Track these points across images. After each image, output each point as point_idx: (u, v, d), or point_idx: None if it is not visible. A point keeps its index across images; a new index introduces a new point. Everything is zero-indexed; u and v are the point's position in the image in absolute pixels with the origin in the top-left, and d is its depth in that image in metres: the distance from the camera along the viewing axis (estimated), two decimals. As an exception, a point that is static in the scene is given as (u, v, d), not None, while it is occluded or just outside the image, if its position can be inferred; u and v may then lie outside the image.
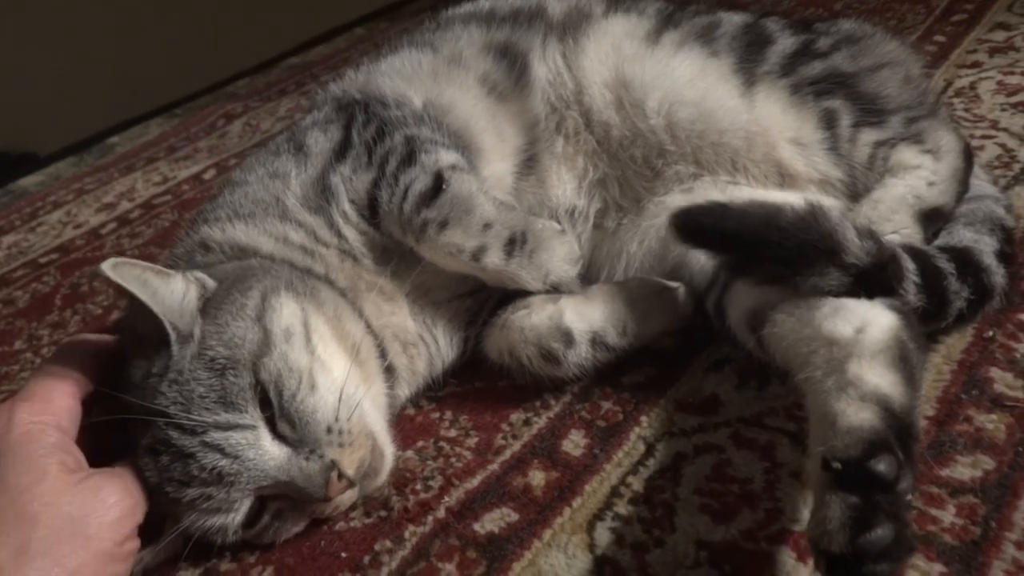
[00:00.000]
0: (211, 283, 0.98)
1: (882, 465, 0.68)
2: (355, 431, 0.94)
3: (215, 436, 0.88)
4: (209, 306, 0.96)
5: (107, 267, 0.89)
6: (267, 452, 0.90)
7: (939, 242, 1.02)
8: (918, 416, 0.79)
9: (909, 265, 0.91)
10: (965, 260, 0.96)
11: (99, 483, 0.87)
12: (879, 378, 0.78)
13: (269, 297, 0.97)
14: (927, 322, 0.91)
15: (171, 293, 0.94)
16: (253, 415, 0.90)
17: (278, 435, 0.91)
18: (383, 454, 0.99)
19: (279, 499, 0.94)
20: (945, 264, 0.94)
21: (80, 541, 0.82)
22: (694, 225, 0.90)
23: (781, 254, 0.88)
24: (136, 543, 0.90)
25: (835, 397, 0.78)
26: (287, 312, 0.96)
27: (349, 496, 0.96)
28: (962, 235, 1.02)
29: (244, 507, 0.91)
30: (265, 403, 0.91)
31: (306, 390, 0.92)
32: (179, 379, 0.89)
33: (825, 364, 0.83)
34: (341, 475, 0.92)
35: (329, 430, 0.92)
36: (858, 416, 0.74)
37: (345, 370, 0.97)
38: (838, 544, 0.65)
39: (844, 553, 0.65)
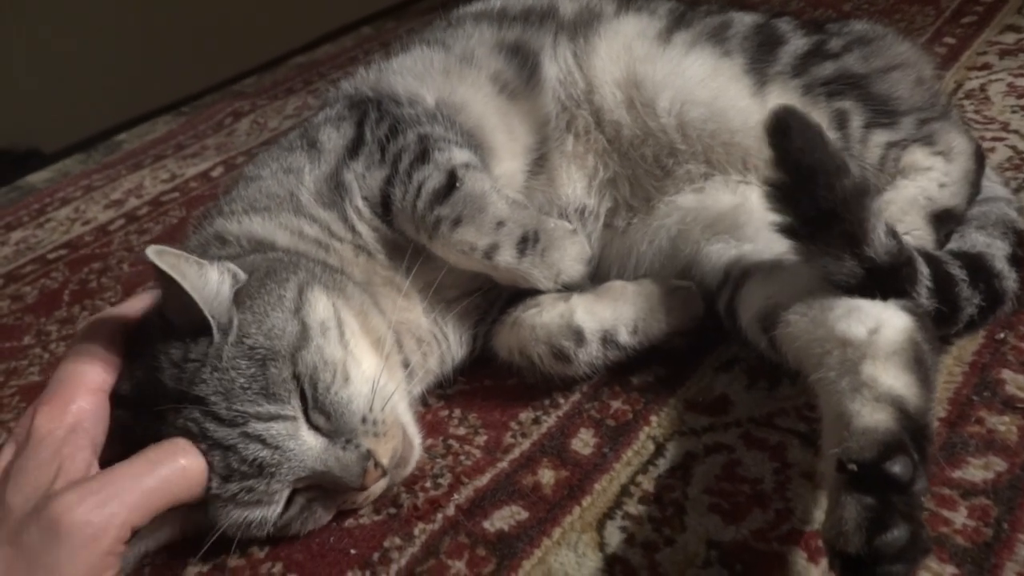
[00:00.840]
0: (242, 274, 0.98)
1: (897, 467, 0.68)
2: (388, 421, 0.95)
3: (256, 427, 0.88)
4: (242, 296, 0.96)
5: (152, 253, 0.89)
6: (306, 442, 0.90)
7: (951, 246, 1.02)
8: (932, 418, 0.79)
9: (924, 269, 0.90)
10: (977, 266, 0.96)
11: (61, 508, 0.79)
12: (894, 379, 0.78)
13: (305, 291, 0.98)
14: (937, 327, 0.90)
15: (207, 283, 0.94)
16: (294, 406, 0.90)
17: (312, 426, 0.92)
18: (412, 444, 1.00)
19: (309, 490, 0.94)
20: (957, 271, 0.94)
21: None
22: (783, 127, 0.86)
23: (811, 207, 0.86)
24: (112, 570, 0.81)
25: (849, 398, 0.78)
26: (321, 306, 0.97)
27: (381, 485, 0.96)
28: (975, 239, 1.01)
29: (283, 498, 0.92)
30: (300, 394, 0.91)
31: (340, 382, 0.93)
32: (219, 366, 0.89)
33: (839, 365, 0.82)
34: (376, 464, 0.92)
35: (364, 420, 0.93)
36: (873, 417, 0.74)
37: (374, 363, 0.98)
38: (854, 545, 0.65)
39: (860, 554, 0.65)
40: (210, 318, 0.91)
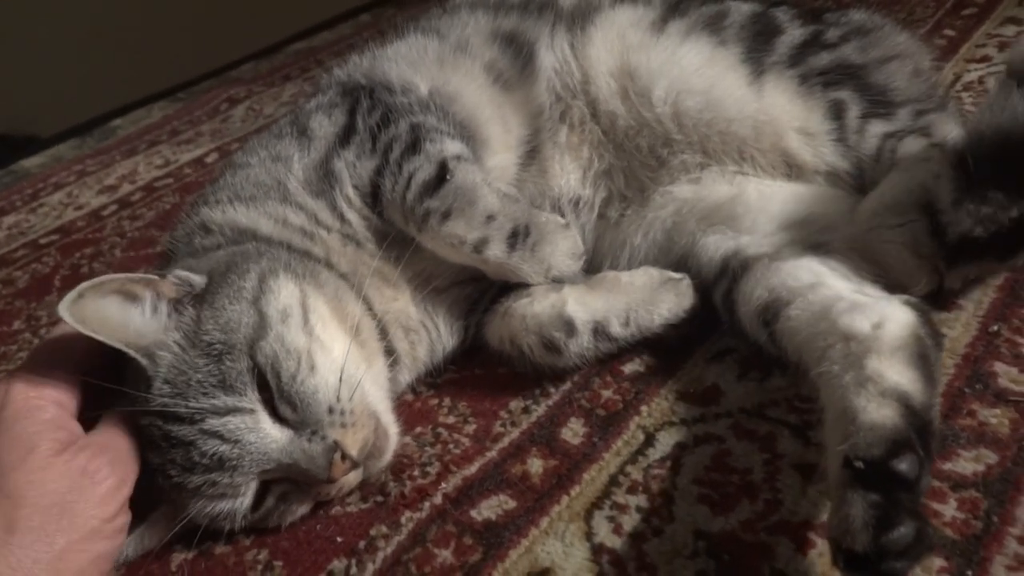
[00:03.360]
0: (198, 279, 0.96)
1: (904, 464, 0.68)
2: (357, 411, 0.93)
3: (212, 423, 0.87)
4: (206, 293, 0.95)
5: (63, 310, 0.85)
6: (268, 435, 0.89)
7: None
8: (936, 414, 0.79)
9: None
10: None
11: (87, 458, 0.86)
12: (899, 375, 0.78)
13: (267, 279, 0.96)
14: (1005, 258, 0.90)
15: (129, 320, 0.91)
16: (251, 398, 0.89)
17: (279, 417, 0.91)
18: (387, 434, 0.98)
19: (283, 482, 0.93)
20: None
21: (67, 520, 0.82)
22: None
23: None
24: (126, 517, 0.89)
25: (854, 393, 0.77)
26: (285, 293, 0.96)
27: (353, 477, 0.95)
28: None
29: (251, 491, 0.91)
30: (263, 386, 0.90)
31: (305, 371, 0.91)
32: (169, 378, 0.89)
33: (842, 359, 0.82)
34: (345, 456, 0.91)
35: (331, 410, 0.91)
36: (879, 413, 0.74)
37: (345, 350, 0.96)
38: (861, 543, 0.65)
39: (866, 551, 0.65)
40: (136, 355, 0.90)
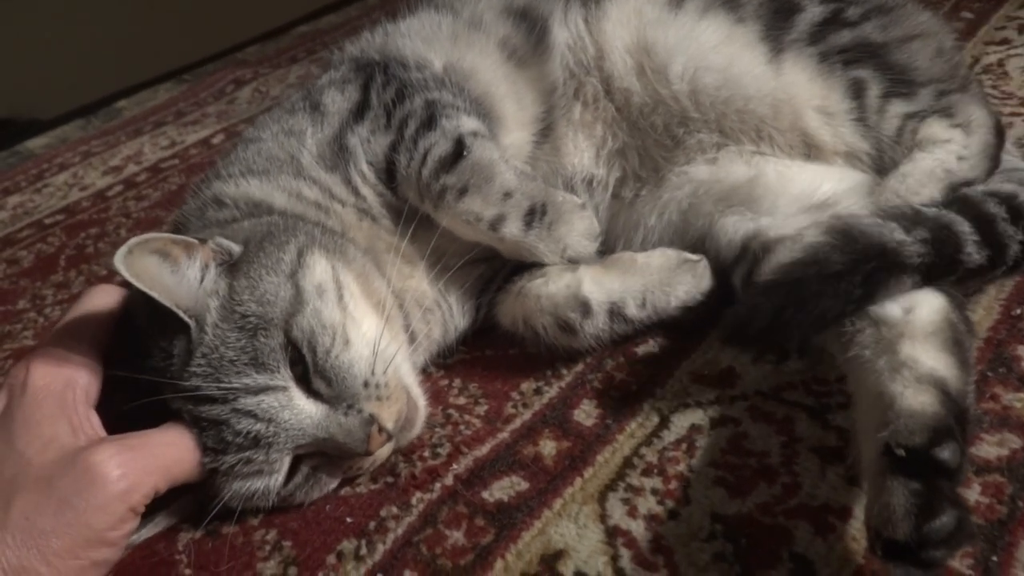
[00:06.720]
0: (236, 248, 0.95)
1: (946, 453, 0.67)
2: (391, 384, 0.93)
3: (246, 402, 0.86)
4: (241, 262, 0.93)
5: (119, 262, 0.83)
6: (302, 411, 0.88)
7: (981, 188, 0.97)
8: (972, 400, 0.78)
9: (964, 228, 0.88)
10: (1012, 204, 0.93)
11: (100, 458, 0.81)
12: (934, 360, 0.77)
13: (304, 254, 0.95)
14: (984, 273, 0.88)
15: (182, 280, 0.89)
16: (284, 375, 0.88)
17: (312, 392, 0.89)
18: (417, 406, 0.98)
19: (313, 457, 0.92)
20: (995, 208, 0.91)
21: (63, 523, 0.77)
22: (754, 333, 0.84)
23: (854, 292, 0.83)
24: (132, 524, 0.84)
25: (889, 378, 0.76)
26: (319, 269, 0.94)
27: (387, 450, 0.94)
28: (1004, 185, 0.98)
29: (285, 467, 0.90)
30: (295, 361, 0.89)
31: (340, 346, 0.90)
32: (206, 352, 0.87)
33: (874, 344, 0.81)
34: (381, 428, 0.90)
35: (366, 384, 0.90)
36: (918, 399, 0.73)
37: (375, 325, 0.96)
38: (903, 532, 0.64)
39: (907, 540, 0.63)
40: (186, 318, 0.88)
